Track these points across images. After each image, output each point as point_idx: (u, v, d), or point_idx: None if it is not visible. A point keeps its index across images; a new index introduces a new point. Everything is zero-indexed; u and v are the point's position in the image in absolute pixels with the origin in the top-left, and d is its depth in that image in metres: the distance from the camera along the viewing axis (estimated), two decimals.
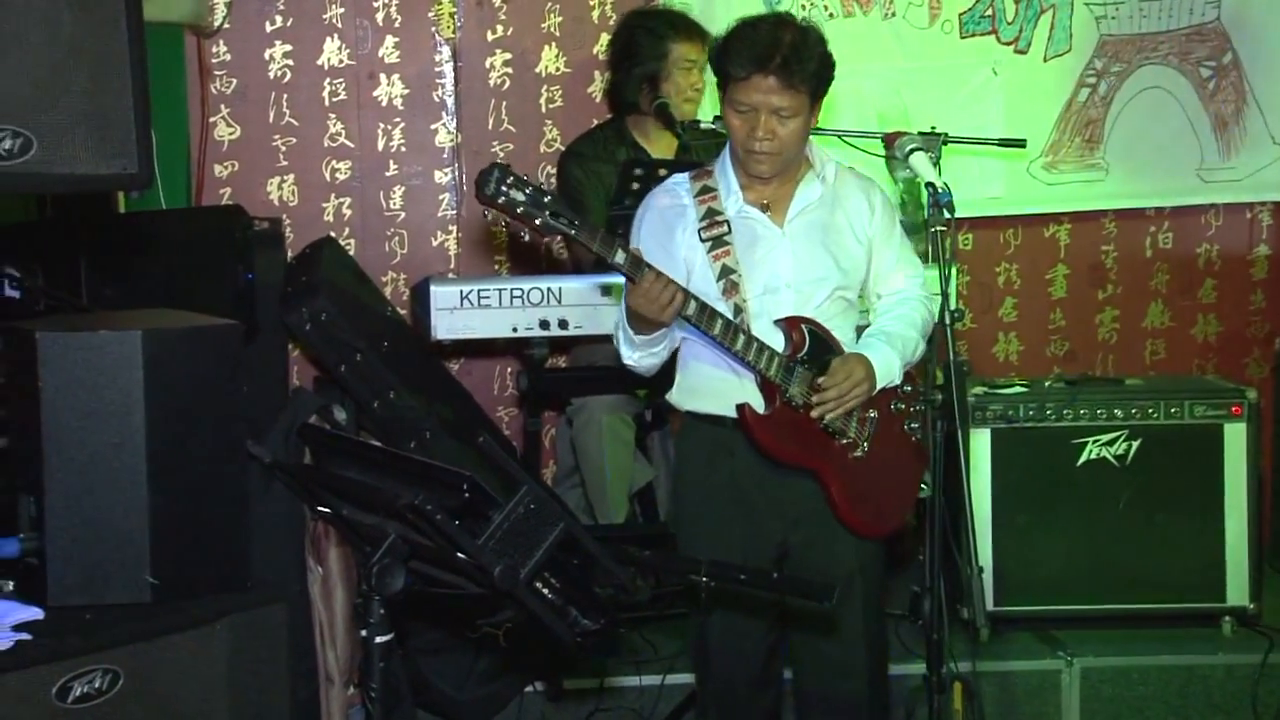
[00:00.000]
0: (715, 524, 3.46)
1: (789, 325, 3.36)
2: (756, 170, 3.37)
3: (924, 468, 3.59)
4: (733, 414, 3.38)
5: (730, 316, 3.29)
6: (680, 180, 3.50)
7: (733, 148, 3.41)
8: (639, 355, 3.38)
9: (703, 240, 3.37)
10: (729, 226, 3.38)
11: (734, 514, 3.45)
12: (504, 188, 2.96)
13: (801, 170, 3.45)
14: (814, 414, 3.35)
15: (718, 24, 4.99)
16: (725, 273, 3.34)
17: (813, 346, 3.35)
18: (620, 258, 3.12)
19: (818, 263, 3.42)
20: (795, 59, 3.23)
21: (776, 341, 3.34)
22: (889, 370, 3.42)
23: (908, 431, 3.53)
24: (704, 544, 3.41)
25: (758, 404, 3.36)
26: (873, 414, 3.45)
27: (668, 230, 3.42)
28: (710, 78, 4.94)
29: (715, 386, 3.42)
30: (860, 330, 3.54)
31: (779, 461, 3.39)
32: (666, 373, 3.58)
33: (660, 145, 4.74)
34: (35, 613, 2.76)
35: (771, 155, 3.32)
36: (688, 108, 4.67)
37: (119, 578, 2.81)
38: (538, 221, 3.00)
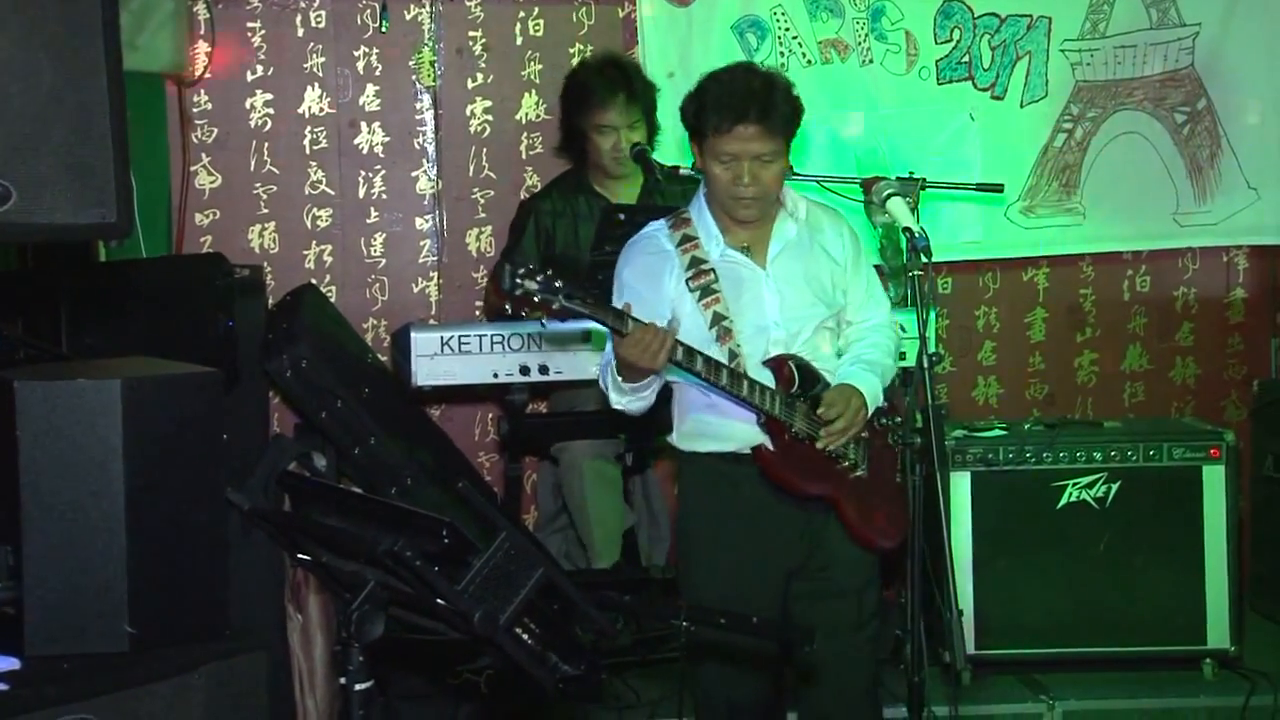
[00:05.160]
0: (724, 558, 3.51)
1: (776, 365, 3.45)
2: (743, 215, 3.47)
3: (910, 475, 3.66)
4: (733, 449, 3.47)
5: (725, 361, 3.37)
6: (658, 228, 3.58)
7: (713, 195, 3.49)
8: (628, 400, 3.45)
9: (691, 290, 3.45)
10: (715, 274, 3.46)
11: (743, 546, 3.50)
12: (519, 279, 3.03)
13: (775, 211, 3.55)
14: (821, 444, 3.46)
15: (692, 75, 5.05)
16: (717, 320, 3.43)
17: (802, 380, 3.45)
18: (630, 326, 3.19)
19: (801, 298, 3.52)
20: (771, 105, 3.36)
21: (767, 381, 3.42)
22: (875, 395, 3.53)
23: (892, 444, 3.63)
24: (713, 579, 3.51)
25: (763, 442, 3.44)
26: (865, 435, 3.55)
27: (653, 276, 3.49)
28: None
29: (716, 429, 3.50)
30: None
31: (795, 494, 3.47)
32: (649, 419, 3.61)
33: (619, 191, 4.73)
34: (12, 663, 2.74)
35: (757, 200, 3.44)
36: (613, 168, 4.65)
37: (97, 627, 2.80)
38: (555, 306, 3.06)
